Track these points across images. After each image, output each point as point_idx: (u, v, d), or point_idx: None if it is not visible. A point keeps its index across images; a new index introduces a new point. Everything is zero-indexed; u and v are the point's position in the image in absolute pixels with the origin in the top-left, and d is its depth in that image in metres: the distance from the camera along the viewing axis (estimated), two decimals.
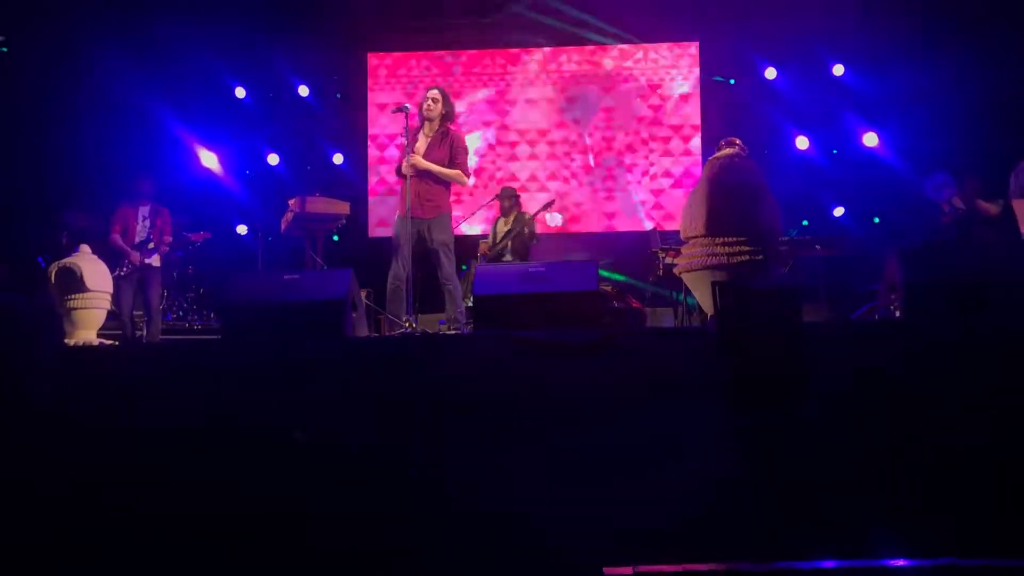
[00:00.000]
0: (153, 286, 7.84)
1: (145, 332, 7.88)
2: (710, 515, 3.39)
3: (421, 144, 6.50)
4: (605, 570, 3.14)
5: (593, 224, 10.62)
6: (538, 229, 8.90)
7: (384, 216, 10.67)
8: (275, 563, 3.46)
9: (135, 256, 7.67)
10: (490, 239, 8.91)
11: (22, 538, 3.49)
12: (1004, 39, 8.96)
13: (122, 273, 7.57)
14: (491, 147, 10.79)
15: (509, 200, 8.89)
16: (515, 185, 9.82)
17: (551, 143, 10.75)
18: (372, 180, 10.88)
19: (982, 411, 3.58)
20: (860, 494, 3.43)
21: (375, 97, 10.94)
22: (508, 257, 8.50)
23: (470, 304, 7.04)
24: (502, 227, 8.81)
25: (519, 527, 3.43)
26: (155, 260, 7.83)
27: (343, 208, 7.96)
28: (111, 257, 7.54)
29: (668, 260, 7.81)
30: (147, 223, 7.86)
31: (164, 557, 3.49)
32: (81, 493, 3.62)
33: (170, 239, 8.00)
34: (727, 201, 5.68)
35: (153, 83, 9.89)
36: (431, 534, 3.47)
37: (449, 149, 6.52)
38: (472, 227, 9.77)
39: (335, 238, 9.52)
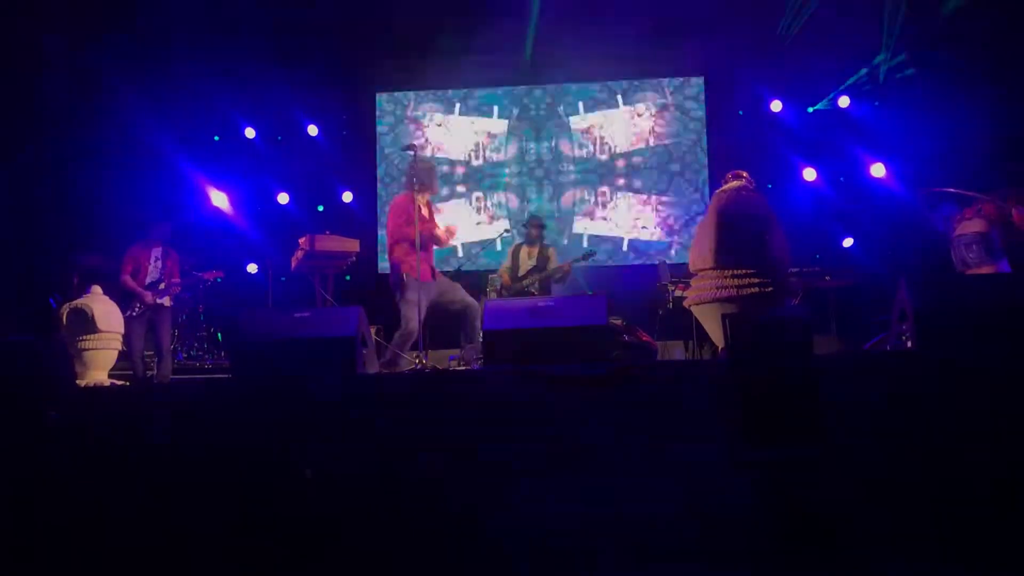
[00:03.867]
0: (164, 326, 7.90)
1: (156, 372, 7.90)
2: (722, 548, 3.36)
3: (426, 212, 6.77)
4: None
5: (600, 257, 10.63)
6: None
7: None
8: None
9: (148, 297, 7.73)
10: (508, 264, 8.78)
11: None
12: (1010, 66, 8.99)
13: (134, 314, 7.62)
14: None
15: (538, 229, 8.82)
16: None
17: (557, 176, 10.82)
18: (382, 218, 10.94)
19: (997, 439, 3.55)
20: (874, 525, 3.40)
21: (383, 135, 11.06)
22: (534, 292, 8.42)
23: (480, 339, 7.05)
24: (525, 257, 8.69)
25: (527, 564, 3.41)
26: (166, 300, 7.89)
27: (353, 246, 8.00)
28: (122, 298, 7.61)
29: (677, 293, 7.81)
30: (159, 264, 7.93)
31: None
32: (93, 521, 3.64)
33: (178, 280, 8.06)
34: (735, 233, 5.69)
35: (164, 124, 10.00)
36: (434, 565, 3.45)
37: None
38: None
39: (347, 277, 9.55)
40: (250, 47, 9.86)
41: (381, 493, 3.73)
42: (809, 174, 10.13)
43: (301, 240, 7.88)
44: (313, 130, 10.89)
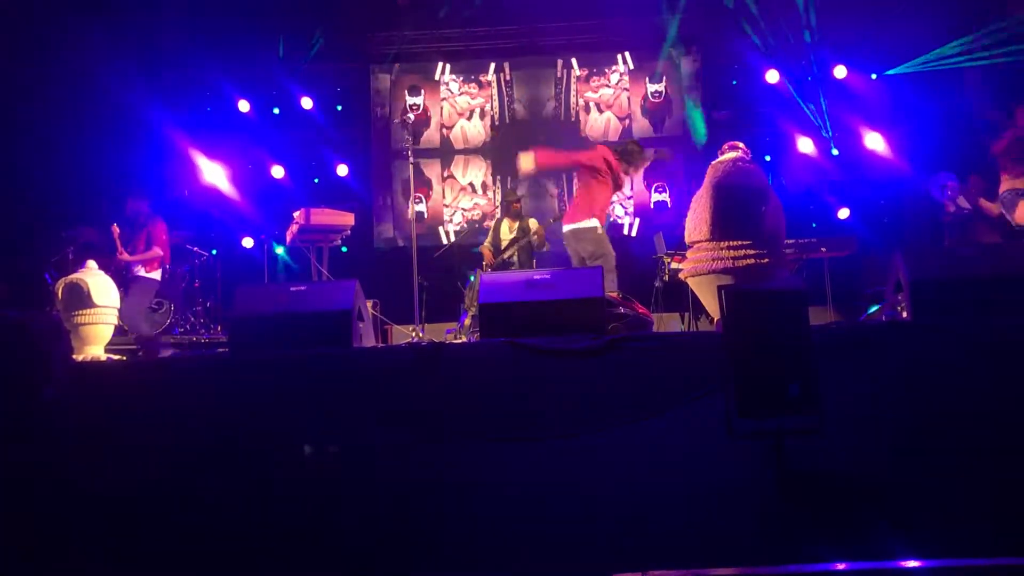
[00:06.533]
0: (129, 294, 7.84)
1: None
2: (720, 519, 3.38)
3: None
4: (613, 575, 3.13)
5: None
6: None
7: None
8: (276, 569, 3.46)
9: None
10: (490, 239, 8.81)
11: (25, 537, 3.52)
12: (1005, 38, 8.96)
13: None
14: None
15: (517, 203, 8.87)
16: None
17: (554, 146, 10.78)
18: (377, 191, 10.91)
19: (992, 409, 3.56)
20: (870, 495, 3.42)
21: (377, 108, 11.00)
22: (516, 265, 8.45)
23: (475, 313, 7.07)
24: (506, 231, 8.72)
25: (523, 532, 3.42)
26: (140, 270, 7.80)
27: (348, 220, 7.98)
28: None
29: (674, 265, 7.81)
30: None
31: (164, 560, 3.50)
32: (91, 495, 3.65)
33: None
34: (731, 205, 5.68)
35: (158, 98, 9.92)
36: (433, 539, 3.47)
37: None
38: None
39: (343, 249, 9.53)
40: (243, 20, 9.78)
41: (379, 465, 3.75)
42: (805, 145, 10.10)
43: (296, 214, 7.86)
44: (307, 103, 10.82)
